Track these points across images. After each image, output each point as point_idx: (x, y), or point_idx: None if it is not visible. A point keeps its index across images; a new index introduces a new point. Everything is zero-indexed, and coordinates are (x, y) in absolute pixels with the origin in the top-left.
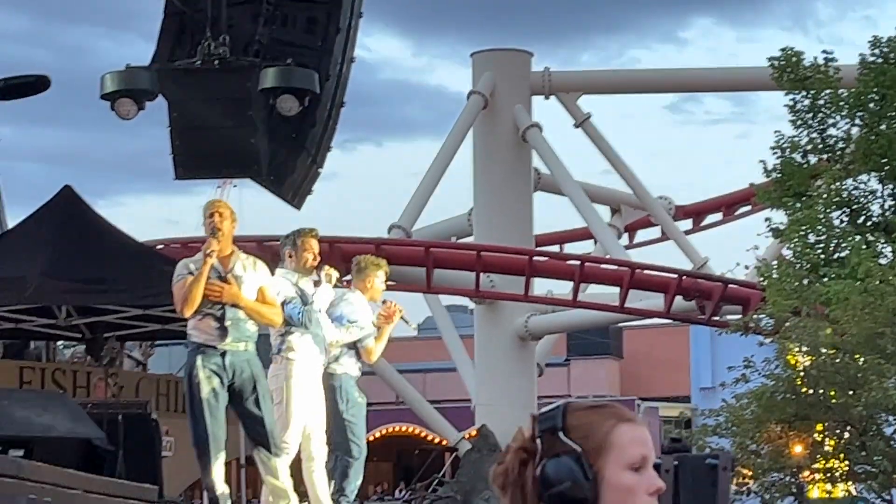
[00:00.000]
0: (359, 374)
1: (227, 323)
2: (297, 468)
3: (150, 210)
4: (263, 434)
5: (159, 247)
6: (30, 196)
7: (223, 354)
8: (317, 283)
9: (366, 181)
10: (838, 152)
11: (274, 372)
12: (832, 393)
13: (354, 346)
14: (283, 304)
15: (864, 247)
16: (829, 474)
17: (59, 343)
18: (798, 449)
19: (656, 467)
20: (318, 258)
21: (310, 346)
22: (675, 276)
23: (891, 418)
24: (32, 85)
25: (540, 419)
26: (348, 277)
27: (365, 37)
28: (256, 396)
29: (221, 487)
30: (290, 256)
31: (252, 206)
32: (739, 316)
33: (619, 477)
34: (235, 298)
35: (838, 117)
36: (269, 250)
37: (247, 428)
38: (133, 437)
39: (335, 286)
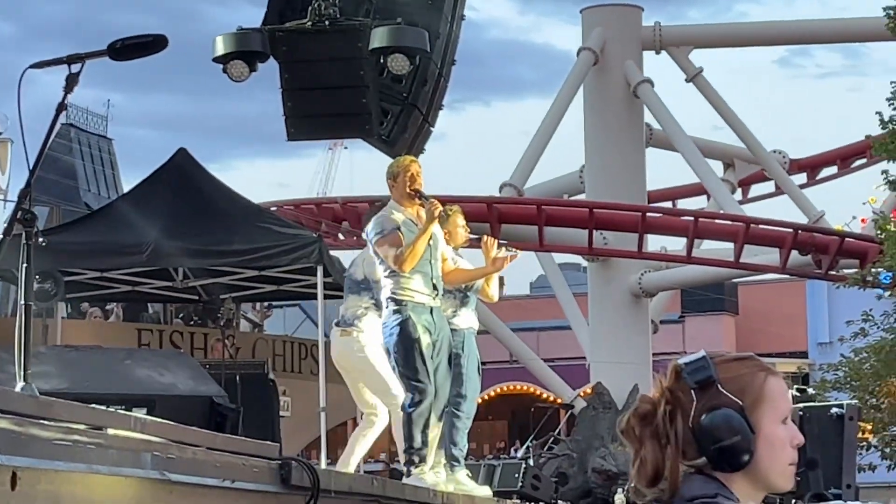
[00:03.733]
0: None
1: (434, 280)
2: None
3: (261, 173)
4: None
5: (273, 208)
6: (142, 161)
7: (431, 311)
8: None
9: (475, 141)
10: None
11: (346, 346)
12: None
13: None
14: None
15: None
16: None
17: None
18: None
19: None
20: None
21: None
22: (791, 230)
23: None
24: (150, 44)
25: (689, 370)
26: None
27: None
28: (450, 354)
29: (424, 448)
30: (393, 187)
31: (363, 167)
32: (856, 270)
33: (775, 430)
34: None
35: None
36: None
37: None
38: (251, 397)
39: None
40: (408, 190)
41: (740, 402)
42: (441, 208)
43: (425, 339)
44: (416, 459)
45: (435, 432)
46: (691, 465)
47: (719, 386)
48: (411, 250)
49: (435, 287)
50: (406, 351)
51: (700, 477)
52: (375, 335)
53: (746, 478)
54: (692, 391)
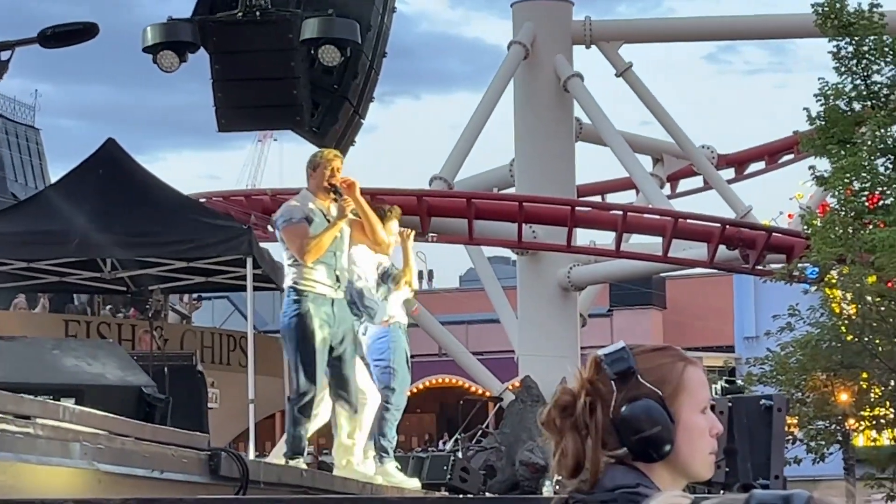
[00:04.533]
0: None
1: (338, 272)
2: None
3: (190, 165)
4: (351, 389)
5: (202, 200)
6: (70, 152)
7: (332, 303)
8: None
9: (404, 134)
10: (883, 99)
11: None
12: (878, 340)
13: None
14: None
15: None
16: (874, 422)
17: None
18: (843, 397)
19: (710, 408)
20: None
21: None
22: (719, 225)
23: None
24: (81, 32)
25: (608, 361)
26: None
27: None
28: (353, 347)
29: (305, 443)
30: (312, 176)
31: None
32: (783, 265)
33: (694, 419)
34: (359, 202)
35: (883, 63)
36: None
37: (336, 378)
38: (179, 388)
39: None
40: (325, 183)
41: (660, 393)
42: (352, 207)
43: (321, 333)
44: (291, 453)
45: (353, 425)
46: (612, 456)
47: (639, 377)
48: (317, 243)
49: (338, 279)
50: (299, 342)
51: (621, 467)
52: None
53: (667, 467)
54: (612, 382)
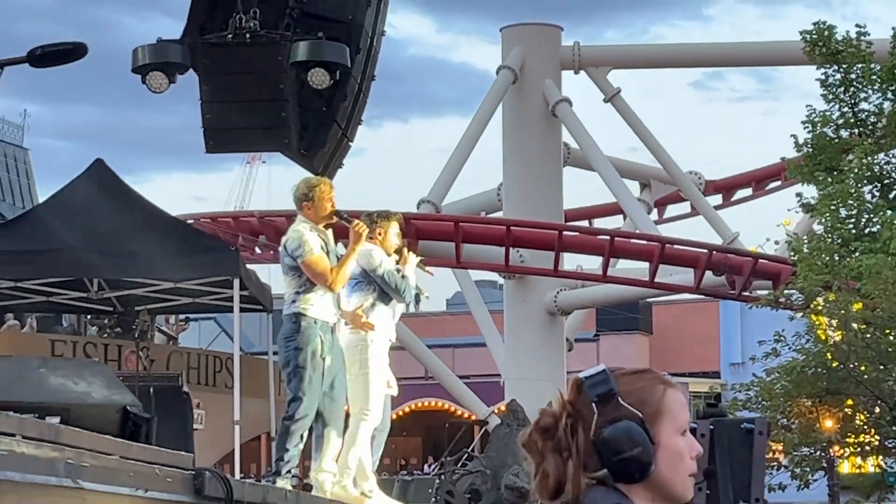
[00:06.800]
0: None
1: (335, 299)
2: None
3: (178, 186)
4: (341, 412)
5: (190, 221)
6: (57, 172)
7: (331, 330)
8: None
9: (392, 157)
10: (870, 127)
11: (354, 343)
12: (863, 367)
13: None
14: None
15: (895, 221)
16: (859, 449)
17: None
18: (829, 423)
19: (692, 431)
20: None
21: (387, 316)
22: (705, 251)
23: None
24: (70, 52)
25: (590, 384)
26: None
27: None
28: (344, 371)
29: (295, 465)
30: (308, 208)
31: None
32: (769, 291)
33: (674, 441)
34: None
35: (870, 91)
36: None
37: (327, 402)
38: (165, 409)
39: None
40: (328, 213)
41: (640, 415)
42: (367, 230)
43: (327, 360)
44: (283, 470)
45: (338, 445)
46: (593, 478)
47: (619, 399)
48: (341, 272)
49: (338, 306)
50: (305, 369)
51: (602, 488)
52: (382, 332)
53: (647, 489)
54: (593, 404)
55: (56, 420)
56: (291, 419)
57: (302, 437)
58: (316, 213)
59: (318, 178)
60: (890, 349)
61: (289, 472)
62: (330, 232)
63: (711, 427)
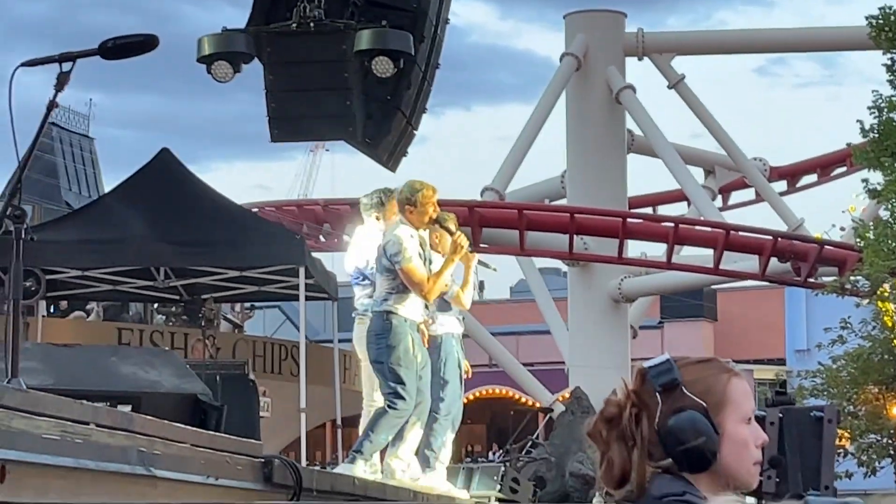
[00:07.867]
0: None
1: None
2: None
3: (241, 175)
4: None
5: (254, 210)
6: (121, 161)
7: (417, 328)
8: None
9: (455, 145)
10: None
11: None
12: None
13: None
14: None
15: None
16: None
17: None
18: (895, 410)
19: (760, 420)
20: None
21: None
22: (770, 237)
23: None
24: (141, 44)
25: (654, 373)
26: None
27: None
28: (429, 367)
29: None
30: (411, 212)
31: (344, 169)
32: (835, 277)
33: (738, 430)
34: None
35: None
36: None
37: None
38: (231, 397)
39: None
40: (430, 219)
41: (704, 404)
42: (467, 244)
43: (419, 356)
44: (367, 453)
45: (418, 438)
46: (658, 467)
47: (683, 388)
48: (437, 281)
49: (426, 307)
50: (401, 367)
51: (667, 476)
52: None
53: (712, 477)
54: (657, 394)
55: (128, 408)
56: (390, 411)
57: (393, 430)
58: (419, 218)
59: (422, 183)
60: None
61: (371, 455)
62: (427, 234)
63: (780, 415)
